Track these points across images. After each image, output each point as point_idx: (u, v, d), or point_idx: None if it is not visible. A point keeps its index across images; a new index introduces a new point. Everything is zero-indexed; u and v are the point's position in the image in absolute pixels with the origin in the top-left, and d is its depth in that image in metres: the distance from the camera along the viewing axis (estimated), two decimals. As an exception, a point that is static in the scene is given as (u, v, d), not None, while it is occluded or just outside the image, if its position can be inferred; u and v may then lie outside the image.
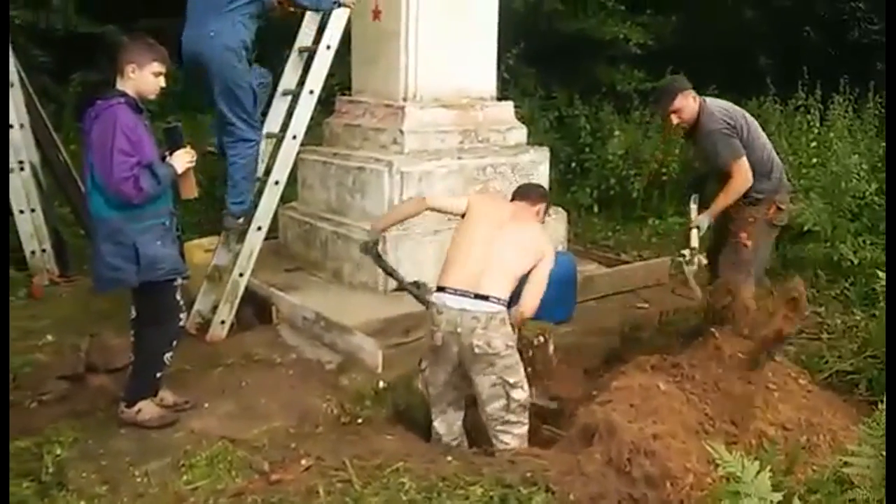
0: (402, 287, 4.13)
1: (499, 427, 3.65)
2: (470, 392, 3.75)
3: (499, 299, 3.57)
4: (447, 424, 3.83)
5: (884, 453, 2.33)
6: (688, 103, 4.51)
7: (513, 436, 3.65)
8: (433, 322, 3.61)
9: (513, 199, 4.07)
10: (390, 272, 4.20)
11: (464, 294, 3.55)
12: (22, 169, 5.64)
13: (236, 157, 4.79)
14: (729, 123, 4.42)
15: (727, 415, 3.55)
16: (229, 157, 4.82)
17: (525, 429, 3.70)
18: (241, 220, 4.84)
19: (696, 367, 3.83)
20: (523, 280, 3.68)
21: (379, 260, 4.15)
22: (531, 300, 3.65)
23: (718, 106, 4.54)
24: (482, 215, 3.82)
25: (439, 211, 4.09)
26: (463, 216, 3.86)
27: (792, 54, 10.38)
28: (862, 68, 9.25)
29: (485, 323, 3.51)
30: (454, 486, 3.14)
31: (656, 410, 3.42)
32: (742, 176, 4.37)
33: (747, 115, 4.60)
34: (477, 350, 3.51)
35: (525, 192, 4.06)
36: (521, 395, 3.63)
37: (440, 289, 3.64)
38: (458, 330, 3.52)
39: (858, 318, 5.29)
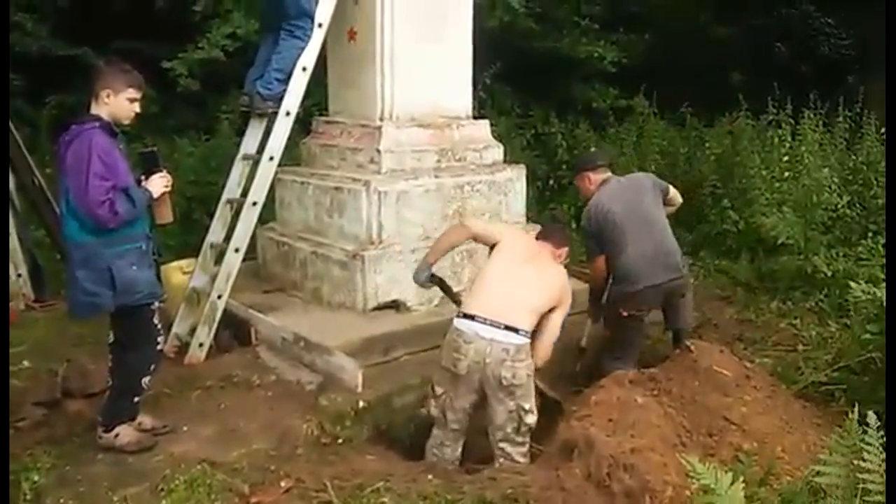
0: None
1: (508, 448, 3.74)
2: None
3: (526, 332, 3.69)
4: (453, 449, 3.89)
5: (854, 462, 2.37)
6: (582, 184, 4.80)
7: (520, 453, 3.77)
8: (457, 350, 3.66)
9: (538, 238, 4.20)
10: (452, 295, 4.31)
11: (494, 324, 3.64)
12: (-4, 193, 5.61)
13: (282, 49, 4.98)
14: (589, 221, 4.57)
15: (704, 427, 3.59)
16: (279, 46, 4.99)
17: (527, 448, 3.80)
18: (269, 103, 4.98)
19: (672, 380, 3.88)
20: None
21: (443, 284, 4.28)
22: (545, 350, 3.85)
23: (600, 200, 4.59)
24: (512, 249, 3.95)
25: (477, 238, 4.11)
26: (492, 248, 3.97)
27: (763, 70, 10.55)
28: (832, 83, 9.42)
29: (513, 355, 3.62)
30: (435, 505, 3.15)
31: (634, 424, 3.45)
32: (594, 272, 4.69)
33: (618, 219, 4.48)
34: (504, 381, 3.62)
35: (550, 234, 4.21)
36: (532, 419, 3.75)
37: (468, 316, 3.70)
38: (487, 360, 3.61)
39: (833, 329, 5.36)
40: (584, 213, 4.67)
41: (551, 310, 3.84)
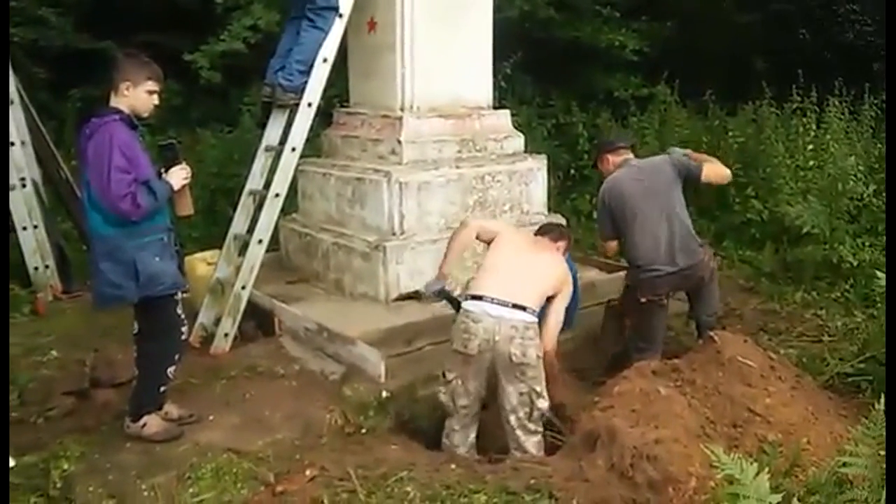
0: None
1: (522, 435, 3.77)
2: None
3: (534, 311, 3.76)
4: (465, 436, 3.91)
5: (882, 453, 2.35)
6: (602, 166, 4.81)
7: (532, 443, 3.79)
8: (467, 331, 3.71)
9: (536, 234, 4.33)
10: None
11: (502, 303, 3.71)
12: (24, 185, 5.68)
13: (304, 40, 5.02)
14: (604, 201, 4.58)
15: (728, 419, 3.56)
16: (301, 37, 5.04)
17: (540, 438, 3.83)
18: (291, 94, 5.01)
19: (696, 371, 3.85)
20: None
21: (452, 300, 4.12)
22: (551, 336, 3.92)
23: (616, 182, 4.59)
24: (512, 239, 4.09)
25: (481, 233, 4.13)
26: (489, 243, 4.07)
27: (788, 57, 10.41)
28: (857, 70, 9.27)
29: (522, 332, 3.68)
30: (458, 495, 3.16)
31: (658, 415, 3.43)
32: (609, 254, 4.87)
33: (630, 199, 4.47)
34: (514, 359, 3.66)
35: (548, 230, 4.34)
36: (544, 404, 3.78)
37: (475, 297, 3.77)
38: (496, 338, 3.66)
39: (859, 319, 5.31)
40: (600, 193, 4.66)
41: (553, 297, 3.93)
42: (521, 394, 3.73)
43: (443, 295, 4.12)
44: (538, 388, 3.74)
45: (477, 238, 4.15)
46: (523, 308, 3.73)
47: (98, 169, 3.41)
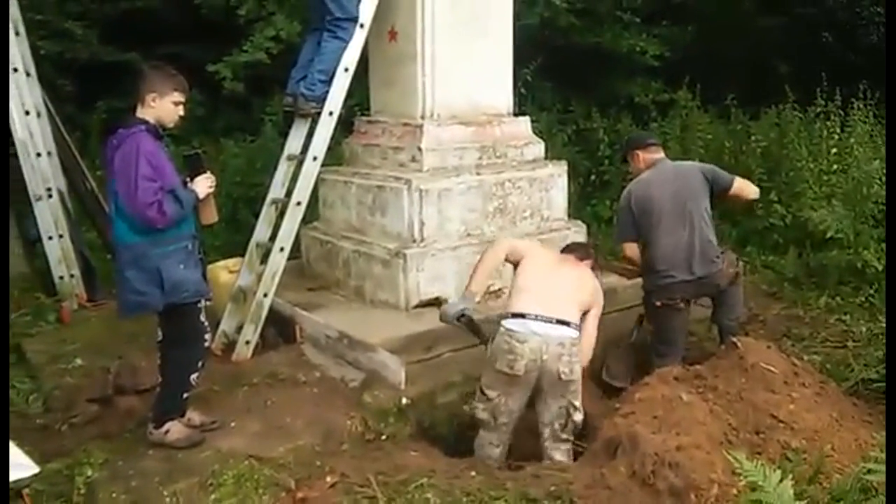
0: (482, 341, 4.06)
1: (553, 444, 3.78)
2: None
3: (577, 325, 3.76)
4: (502, 451, 3.90)
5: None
6: (633, 162, 4.80)
7: (562, 451, 3.80)
8: (512, 351, 3.66)
9: (561, 252, 4.35)
10: (481, 335, 4.08)
11: (546, 320, 3.69)
12: (50, 196, 5.76)
13: (325, 50, 5.06)
14: (629, 201, 4.57)
15: (751, 425, 3.53)
16: (322, 47, 5.08)
17: (569, 446, 3.84)
18: (313, 104, 5.04)
19: (719, 377, 3.83)
20: None
21: (472, 325, 4.05)
22: (587, 355, 3.92)
23: (644, 184, 4.59)
24: (541, 256, 4.11)
25: (511, 251, 4.10)
26: (516, 265, 4.05)
27: (811, 60, 10.32)
28: (882, 72, 9.17)
29: (569, 349, 3.68)
30: (478, 501, 3.17)
31: (679, 422, 3.42)
32: (625, 260, 4.84)
33: (658, 203, 4.48)
34: (563, 377, 3.66)
35: (574, 249, 4.36)
36: (579, 417, 3.79)
37: (518, 315, 3.73)
38: (545, 357, 3.64)
39: (884, 325, 5.23)
40: (625, 193, 4.65)
41: (586, 312, 3.93)
42: (561, 407, 3.74)
43: (464, 320, 4.00)
44: (576, 403, 3.75)
45: (506, 260, 4.13)
46: (567, 323, 3.72)
47: (125, 178, 3.46)
